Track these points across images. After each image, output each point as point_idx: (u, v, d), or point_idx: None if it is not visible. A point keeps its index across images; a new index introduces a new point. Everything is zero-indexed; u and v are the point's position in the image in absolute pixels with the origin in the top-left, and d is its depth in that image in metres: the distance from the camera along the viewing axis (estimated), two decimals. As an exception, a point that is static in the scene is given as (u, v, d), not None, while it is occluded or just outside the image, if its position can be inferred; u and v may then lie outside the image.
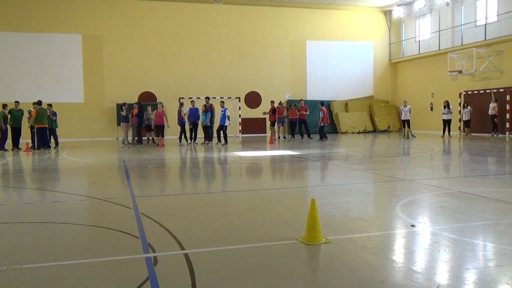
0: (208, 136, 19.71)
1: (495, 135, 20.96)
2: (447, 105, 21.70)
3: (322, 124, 21.09)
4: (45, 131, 18.02)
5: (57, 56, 24.73)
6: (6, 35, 23.98)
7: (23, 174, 11.34)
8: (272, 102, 22.76)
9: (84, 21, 25.01)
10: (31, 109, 18.50)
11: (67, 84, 24.82)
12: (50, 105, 18.95)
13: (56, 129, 19.20)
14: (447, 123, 21.78)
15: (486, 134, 22.09)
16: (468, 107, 22.00)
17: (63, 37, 24.77)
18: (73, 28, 24.89)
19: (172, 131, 22.46)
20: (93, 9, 25.13)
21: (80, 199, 7.54)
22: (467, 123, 22.21)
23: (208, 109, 19.51)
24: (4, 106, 17.98)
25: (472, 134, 22.30)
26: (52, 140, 18.93)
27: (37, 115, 17.68)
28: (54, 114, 18.94)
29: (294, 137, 21.99)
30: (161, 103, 20.34)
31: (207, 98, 20.35)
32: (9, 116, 17.83)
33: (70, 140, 20.54)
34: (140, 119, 20.21)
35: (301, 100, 23.02)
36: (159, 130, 19.59)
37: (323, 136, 20.89)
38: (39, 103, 18.21)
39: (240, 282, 3.61)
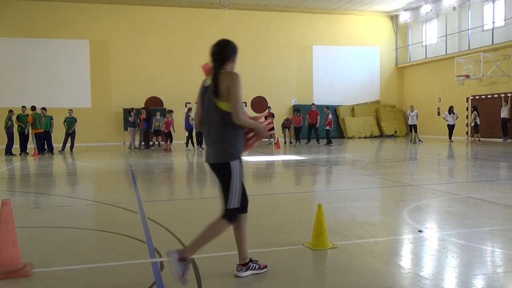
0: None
1: (506, 140, 20.73)
2: (451, 110, 21.58)
3: (328, 128, 21.07)
4: (41, 136, 18.09)
5: (64, 61, 24.90)
6: (14, 41, 24.19)
7: (30, 179, 11.40)
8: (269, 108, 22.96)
9: (91, 27, 25.19)
10: (40, 114, 18.62)
11: (75, 89, 24.96)
12: (43, 108, 18.89)
13: (51, 133, 18.80)
14: (452, 128, 21.64)
15: (495, 139, 21.91)
16: (474, 111, 21.31)
17: (71, 42, 24.95)
18: (81, 34, 25.07)
19: (178, 136, 22.50)
20: (101, 15, 25.31)
21: (87, 203, 7.57)
22: (475, 128, 21.30)
23: None
24: (10, 111, 18.14)
25: (481, 139, 21.86)
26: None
27: (33, 120, 17.82)
28: (51, 118, 18.84)
29: (300, 142, 21.96)
30: (172, 111, 20.16)
31: None
32: (15, 121, 17.97)
33: (77, 145, 20.62)
34: (148, 124, 20.27)
35: (312, 104, 23.00)
36: (167, 135, 19.58)
37: (329, 141, 20.85)
38: (33, 108, 18.31)
39: (246, 287, 3.60)
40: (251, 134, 3.75)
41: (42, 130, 18.08)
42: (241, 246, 3.78)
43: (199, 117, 3.84)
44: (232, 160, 3.63)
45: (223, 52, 3.69)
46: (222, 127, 3.60)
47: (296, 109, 22.78)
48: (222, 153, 3.62)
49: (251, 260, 3.80)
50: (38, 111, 18.50)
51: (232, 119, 3.55)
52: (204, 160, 3.84)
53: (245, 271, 3.76)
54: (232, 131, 3.62)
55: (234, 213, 3.67)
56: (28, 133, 17.99)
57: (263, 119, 3.86)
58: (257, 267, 3.80)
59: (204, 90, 3.73)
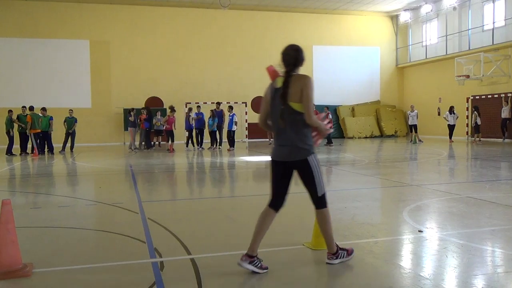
0: (214, 141, 19.74)
1: (505, 138, 20.72)
2: (451, 110, 21.55)
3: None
4: (39, 136, 18.02)
5: (65, 61, 24.90)
6: (15, 41, 24.20)
7: (30, 179, 11.40)
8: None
9: (92, 27, 25.20)
10: (39, 115, 18.60)
11: (75, 90, 24.98)
12: (43, 109, 18.85)
13: (51, 133, 18.71)
14: (452, 128, 21.62)
15: (496, 140, 21.90)
16: (475, 112, 21.27)
17: (71, 43, 24.96)
18: (81, 34, 25.08)
19: (179, 136, 22.49)
20: (101, 15, 25.32)
21: (87, 203, 7.57)
22: (475, 129, 21.25)
23: (216, 114, 19.54)
24: (10, 111, 18.13)
25: (482, 139, 21.76)
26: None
27: (31, 120, 17.77)
28: (51, 118, 18.74)
29: None
30: (175, 110, 19.89)
31: (218, 103, 20.35)
32: (16, 122, 17.98)
33: (77, 145, 20.62)
34: (150, 124, 20.16)
35: None
36: (169, 135, 19.55)
37: (329, 141, 20.84)
38: (31, 108, 18.26)
39: (246, 287, 3.60)
40: (314, 133, 4.05)
41: (40, 130, 18.05)
42: (255, 238, 3.95)
43: (264, 116, 4.09)
44: (309, 155, 3.91)
45: (297, 57, 3.99)
46: (295, 126, 3.87)
47: None
48: (299, 151, 3.89)
49: (256, 257, 3.89)
50: (37, 111, 18.48)
51: (303, 119, 3.83)
52: (273, 157, 4.10)
53: (336, 258, 4.01)
54: (303, 129, 3.89)
55: (324, 198, 3.99)
56: (28, 133, 17.98)
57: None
58: (345, 253, 4.06)
59: (275, 91, 3.97)
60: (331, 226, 4.01)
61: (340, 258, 4.04)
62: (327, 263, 4.04)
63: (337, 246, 4.06)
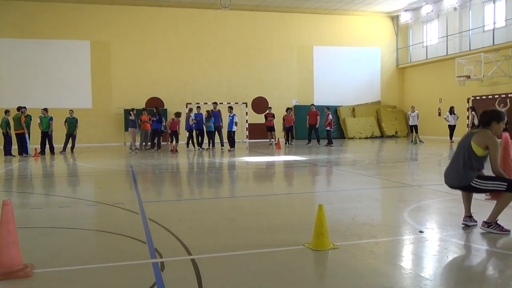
0: (210, 141, 19.68)
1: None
2: (452, 111, 21.54)
3: (328, 128, 21.06)
4: (22, 137, 17.66)
5: (65, 62, 24.92)
6: (15, 42, 24.22)
7: (30, 180, 11.41)
8: (270, 108, 22.82)
9: (92, 27, 25.22)
10: (41, 115, 18.57)
11: (76, 90, 24.98)
12: (45, 109, 18.84)
13: (51, 134, 18.58)
14: (453, 128, 21.61)
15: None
16: (472, 112, 21.16)
17: (71, 43, 24.98)
18: (82, 34, 25.10)
19: (179, 136, 22.51)
20: (101, 15, 25.33)
21: (87, 204, 7.57)
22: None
23: (213, 114, 19.51)
24: (7, 112, 18.01)
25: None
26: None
27: (14, 121, 17.59)
28: (51, 118, 18.64)
29: (292, 143, 21.77)
30: (180, 114, 20.01)
31: (215, 103, 20.37)
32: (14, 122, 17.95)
33: (78, 146, 20.63)
34: (160, 125, 19.94)
35: (312, 104, 22.92)
36: (172, 135, 19.53)
37: (330, 142, 20.82)
38: (18, 109, 18.06)
39: (247, 287, 3.60)
40: (489, 196, 5.25)
41: (23, 131, 17.66)
42: (495, 210, 4.93)
43: None
44: (471, 181, 5.08)
45: (489, 119, 5.07)
46: (468, 162, 5.03)
47: (287, 108, 22.60)
48: (461, 179, 5.20)
49: (496, 223, 4.91)
50: (34, 112, 18.42)
51: (475, 160, 5.01)
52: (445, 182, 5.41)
53: (487, 227, 4.93)
54: (472, 167, 5.04)
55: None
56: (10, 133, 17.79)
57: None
58: (497, 228, 4.90)
59: (470, 133, 5.18)
60: (505, 208, 4.90)
61: (490, 228, 4.90)
62: (480, 227, 5.01)
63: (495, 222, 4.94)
